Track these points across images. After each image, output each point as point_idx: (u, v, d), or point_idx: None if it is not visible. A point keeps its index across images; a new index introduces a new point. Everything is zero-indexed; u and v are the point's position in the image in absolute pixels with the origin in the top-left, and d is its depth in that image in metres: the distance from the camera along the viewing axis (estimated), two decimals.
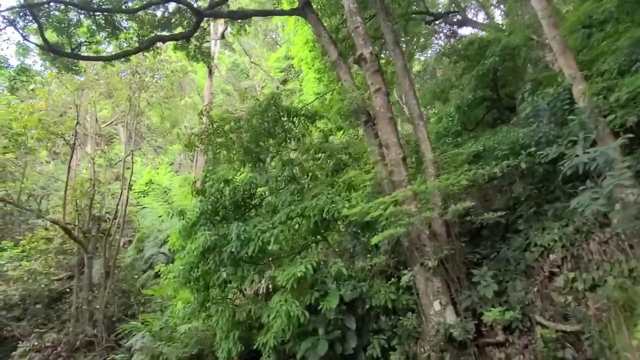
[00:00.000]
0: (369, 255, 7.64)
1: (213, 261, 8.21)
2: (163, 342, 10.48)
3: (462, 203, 6.01)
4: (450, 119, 12.95)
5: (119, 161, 18.26)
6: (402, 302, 7.37)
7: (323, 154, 9.82)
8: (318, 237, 8.90)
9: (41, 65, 13.62)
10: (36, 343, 13.61)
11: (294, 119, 11.24)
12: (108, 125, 22.75)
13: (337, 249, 8.99)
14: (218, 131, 10.15)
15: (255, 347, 8.66)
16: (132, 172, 17.93)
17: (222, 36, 26.66)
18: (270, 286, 11.27)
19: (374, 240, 6.62)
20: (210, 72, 29.09)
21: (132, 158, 17.37)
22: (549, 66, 10.27)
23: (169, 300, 12.91)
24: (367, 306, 7.48)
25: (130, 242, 22.27)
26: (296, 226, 8.59)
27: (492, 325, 6.44)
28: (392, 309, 7.41)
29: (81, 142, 18.48)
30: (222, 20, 24.03)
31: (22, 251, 15.67)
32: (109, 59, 12.04)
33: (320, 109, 11.23)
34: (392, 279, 7.87)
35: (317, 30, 9.81)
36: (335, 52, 9.45)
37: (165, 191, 23.92)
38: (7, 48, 13.16)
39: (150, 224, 20.80)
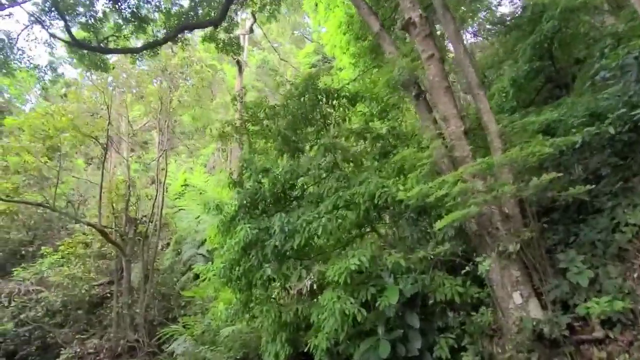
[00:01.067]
0: (430, 243, 6.83)
1: (255, 257, 7.62)
2: (206, 347, 10.04)
3: (546, 175, 5.12)
4: (503, 94, 11.91)
5: (152, 161, 18.12)
6: (471, 295, 6.53)
7: (368, 137, 9.07)
8: (368, 227, 8.17)
9: (70, 64, 13.43)
10: (78, 349, 13.53)
11: (333, 102, 10.56)
12: (141, 127, 22.83)
13: (390, 239, 8.22)
14: (253, 118, 9.58)
15: (305, 349, 8.11)
16: (166, 172, 17.75)
17: (251, 30, 26.35)
18: (315, 285, 10.66)
19: (439, 225, 5.81)
20: (240, 69, 28.82)
21: (165, 158, 17.15)
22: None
23: (210, 302, 12.50)
24: (430, 301, 6.68)
25: (168, 245, 22.26)
26: (344, 216, 7.91)
27: (585, 319, 5.52)
28: (460, 303, 6.59)
29: (115, 145, 18.46)
30: (249, 13, 23.67)
31: (62, 257, 15.73)
32: (136, 51, 11.74)
33: (362, 89, 10.47)
34: (458, 269, 7.06)
35: (355, 2, 9.06)
36: (376, 23, 8.68)
37: (201, 192, 23.87)
38: (36, 47, 12.91)
39: (187, 226, 20.66)
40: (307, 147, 11.05)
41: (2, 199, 12.74)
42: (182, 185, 24.68)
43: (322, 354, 7.18)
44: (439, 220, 6.01)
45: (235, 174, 9.14)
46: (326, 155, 8.82)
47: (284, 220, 7.45)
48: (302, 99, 10.20)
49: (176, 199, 23.52)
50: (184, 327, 11.35)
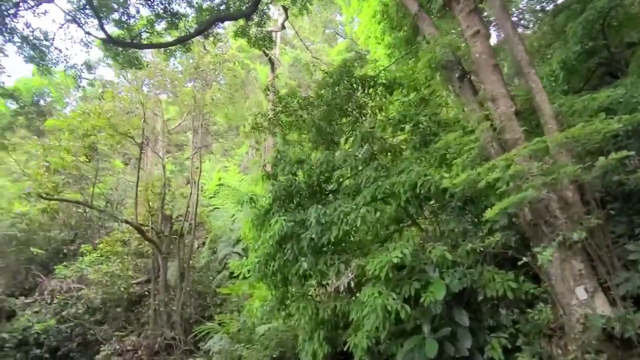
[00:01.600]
0: (478, 236, 6.34)
1: (291, 251, 7.34)
2: (242, 345, 9.87)
3: (615, 154, 4.58)
4: (552, 78, 11.18)
5: (187, 159, 18.24)
6: (526, 291, 6.01)
7: (407, 125, 8.63)
8: (408, 219, 7.75)
9: (105, 64, 13.62)
10: (117, 346, 13.70)
11: (369, 91, 10.19)
12: (175, 128, 23.11)
13: (432, 233, 7.77)
14: (286, 109, 9.33)
15: (343, 348, 7.79)
16: (200, 171, 17.82)
17: (283, 26, 26.26)
18: (353, 283, 10.31)
19: (490, 213, 5.35)
20: (273, 67, 28.79)
21: (199, 157, 17.21)
22: None
23: (246, 300, 12.36)
24: (479, 298, 6.20)
25: (203, 244, 22.45)
26: (383, 208, 7.54)
27: None
28: (513, 300, 6.07)
29: (151, 144, 18.71)
30: (281, 8, 23.50)
31: (100, 255, 16.04)
32: (168, 45, 11.76)
33: (399, 76, 10.04)
34: (508, 264, 6.55)
35: None
36: (414, 3, 8.25)
37: (235, 190, 23.98)
38: (72, 46, 13.19)
39: (222, 224, 20.75)
40: (342, 140, 10.74)
41: (42, 197, 13.08)
42: (217, 185, 24.93)
43: (363, 353, 6.83)
44: (488, 209, 5.55)
45: (269, 166, 8.90)
46: (363, 146, 8.46)
47: (320, 212, 7.14)
48: (336, 88, 9.89)
49: (211, 197, 23.75)
50: (219, 324, 11.24)
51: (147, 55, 16.12)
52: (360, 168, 8.46)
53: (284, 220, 7.33)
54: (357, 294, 8.53)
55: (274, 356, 9.53)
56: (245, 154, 31.21)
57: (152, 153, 21.86)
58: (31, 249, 18.12)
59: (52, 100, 23.03)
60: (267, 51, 20.80)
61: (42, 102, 23.72)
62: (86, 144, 13.68)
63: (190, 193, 16.70)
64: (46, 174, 13.81)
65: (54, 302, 16.55)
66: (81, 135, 13.43)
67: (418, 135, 8.45)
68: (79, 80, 12.53)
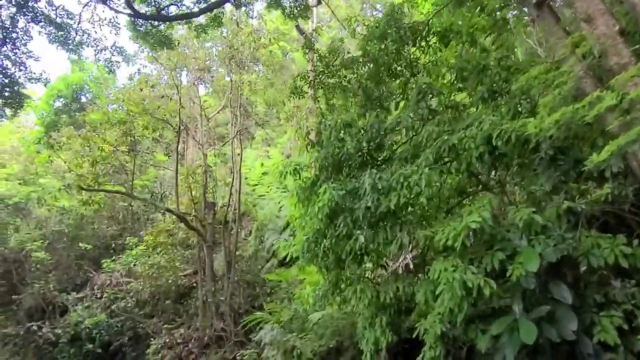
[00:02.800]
0: (576, 191, 5.18)
1: (344, 224, 6.43)
2: (294, 334, 9.13)
3: None
4: None
5: (227, 142, 17.74)
6: None
7: (470, 74, 7.47)
8: (481, 180, 6.65)
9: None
10: (167, 340, 13.43)
11: (421, 44, 9.06)
12: (214, 115, 22.71)
13: (511, 195, 6.65)
14: (328, 69, 8.38)
15: (407, 335, 6.91)
16: (241, 157, 17.24)
17: (319, 1, 25.22)
18: (412, 263, 9.38)
19: (600, 156, 4.20)
20: (311, 47, 27.72)
21: (240, 140, 16.63)
22: None
23: (297, 287, 11.63)
24: (583, 268, 5.05)
25: (250, 233, 22.11)
26: (449, 169, 6.50)
27: None
28: (627, 270, 4.90)
29: (192, 131, 18.35)
30: None
31: (146, 247, 15.88)
32: (196, 15, 11.10)
33: (456, 23, 8.83)
34: (614, 227, 5.37)
35: None
36: None
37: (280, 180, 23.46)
38: (101, 29, 13.00)
39: (268, 212, 20.26)
40: (392, 105, 9.71)
41: (82, 188, 12.93)
42: (261, 174, 24.47)
43: (435, 340, 5.87)
44: (594, 154, 4.39)
45: (313, 134, 8.02)
46: (420, 99, 7.38)
47: (375, 177, 6.18)
48: (384, 43, 8.83)
49: (255, 185, 23.33)
50: (270, 314, 10.59)
51: (179, 34, 15.59)
52: (417, 128, 7.41)
53: (334, 187, 6.43)
54: (420, 274, 7.59)
55: (331, 346, 8.74)
56: (287, 142, 30.58)
57: (192, 142, 21.62)
58: (80, 244, 18.36)
59: (94, 97, 23.27)
60: (303, 29, 19.89)
61: (83, 99, 24.05)
62: (123, 130, 13.38)
63: (233, 179, 16.15)
64: (85, 165, 13.65)
65: (104, 296, 16.62)
66: (117, 123, 13.13)
67: (485, 85, 7.27)
68: (109, 64, 12.12)
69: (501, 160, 6.57)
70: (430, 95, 7.52)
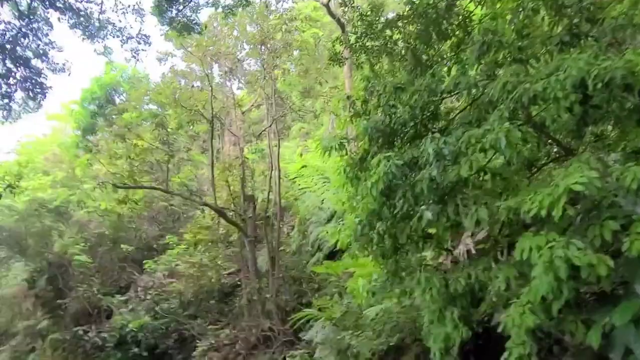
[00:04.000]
0: None
1: (403, 200, 5.49)
2: (349, 332, 8.28)
3: None
4: None
5: (262, 130, 17.11)
6: None
7: (545, 14, 6.34)
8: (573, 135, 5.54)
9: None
10: (213, 341, 12.95)
11: None
12: (249, 109, 22.20)
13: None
14: (370, 31, 7.43)
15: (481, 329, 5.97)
16: (278, 147, 16.54)
17: None
18: (474, 249, 8.35)
19: None
20: (343, 29, 26.77)
21: (276, 129, 15.93)
22: None
23: (347, 281, 10.78)
24: None
25: (292, 228, 21.52)
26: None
27: None
28: None
29: (227, 123, 17.82)
30: None
31: (187, 246, 15.54)
32: None
33: None
34: None
35: None
36: None
37: (320, 171, 22.76)
38: (125, 17, 12.60)
39: (310, 204, 19.56)
40: (444, 70, 8.64)
41: (117, 186, 12.62)
42: (300, 167, 23.82)
43: (524, 335, 4.87)
44: None
45: (359, 102, 7.10)
46: (483, 55, 6.32)
47: (439, 142, 5.20)
48: None
49: (294, 178, 22.70)
50: (320, 310, 9.80)
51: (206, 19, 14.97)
52: (482, 87, 6.34)
53: (389, 160, 5.50)
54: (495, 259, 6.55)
55: (391, 344, 7.83)
56: (326, 129, 29.73)
57: (227, 138, 21.20)
58: (122, 246, 18.30)
59: (128, 98, 23.22)
60: (335, 12, 18.96)
61: (117, 101, 24.09)
62: (155, 124, 12.96)
63: (271, 171, 15.47)
64: (120, 162, 13.37)
65: (147, 298, 16.41)
66: (149, 116, 12.73)
67: (565, 27, 6.12)
68: (136, 53, 11.66)
69: (596, 111, 5.43)
70: (495, 49, 6.46)
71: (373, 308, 8.00)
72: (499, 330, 5.17)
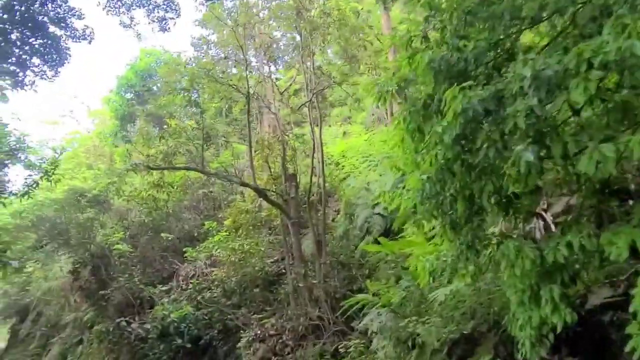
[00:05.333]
0: None
1: (489, 145, 4.28)
2: (413, 319, 7.16)
3: None
4: None
5: (302, 105, 16.11)
6: None
7: None
8: None
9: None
10: (259, 331, 12.15)
11: None
12: (287, 89, 21.28)
13: None
14: None
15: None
16: (320, 125, 15.46)
17: None
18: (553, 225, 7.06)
19: None
20: (385, 5, 25.37)
21: (317, 101, 14.87)
22: None
23: (404, 261, 9.61)
24: None
25: (337, 213, 20.57)
26: None
27: None
28: None
29: (266, 101, 16.93)
30: None
31: (227, 232, 14.85)
32: None
33: None
34: None
35: None
36: None
37: (365, 155, 21.71)
38: None
39: (356, 186, 18.52)
40: None
41: (150, 167, 12.02)
42: (342, 150, 22.79)
43: None
44: None
45: (416, 41, 5.89)
46: None
47: (536, 64, 3.96)
48: None
49: (338, 161, 21.73)
50: (374, 295, 8.71)
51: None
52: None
53: (464, 95, 4.31)
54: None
55: (465, 332, 6.65)
56: (370, 107, 28.40)
57: (266, 121, 20.40)
58: (162, 235, 17.90)
59: (163, 83, 22.88)
60: None
61: (155, 89, 23.83)
62: (187, 99, 12.23)
63: (313, 149, 14.45)
64: (157, 146, 12.75)
65: (189, 288, 15.88)
66: (181, 91, 12.01)
67: None
68: (164, 22, 10.89)
69: None
70: None
71: (440, 290, 6.83)
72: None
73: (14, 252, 23.08)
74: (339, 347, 9.88)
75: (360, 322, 9.62)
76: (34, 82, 10.20)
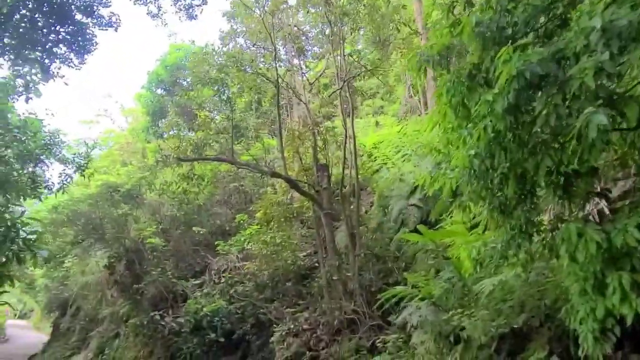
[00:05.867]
0: None
1: (549, 110, 3.78)
2: (457, 312, 6.69)
3: None
4: None
5: (333, 92, 15.71)
6: None
7: None
8: None
9: None
10: (292, 326, 11.87)
11: None
12: (317, 79, 20.91)
13: None
14: None
15: None
16: (352, 111, 15.02)
17: None
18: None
19: None
20: None
21: (348, 89, 14.42)
22: None
23: (445, 251, 9.10)
24: None
25: (370, 205, 20.11)
26: None
27: None
28: None
29: (295, 90, 16.61)
30: None
31: (259, 225, 14.63)
32: None
33: None
34: None
35: None
36: None
37: (398, 146, 21.14)
38: None
39: (390, 177, 18.01)
40: None
41: (180, 159, 11.90)
42: (375, 142, 22.31)
43: None
44: None
45: (458, 6, 5.40)
46: None
47: (607, 16, 3.44)
48: None
49: (370, 152, 21.25)
50: (414, 288, 8.25)
51: None
52: None
53: (519, 56, 3.82)
54: None
55: (515, 326, 6.13)
56: (403, 97, 27.74)
57: (296, 111, 20.11)
58: (194, 229, 17.91)
59: (194, 76, 22.90)
60: None
61: (185, 83, 23.88)
62: (216, 89, 12.04)
63: (345, 138, 14.02)
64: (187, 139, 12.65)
65: (221, 281, 15.79)
66: (209, 82, 11.82)
67: None
68: (192, 10, 10.69)
69: None
70: None
71: (487, 281, 6.33)
72: None
73: (54, 247, 23.74)
74: (377, 341, 9.46)
75: (398, 316, 9.18)
76: (59, 69, 10.23)
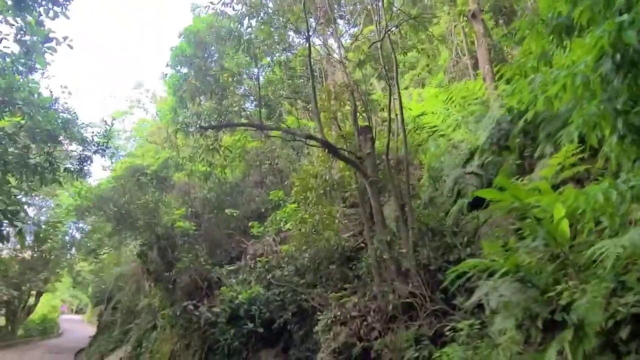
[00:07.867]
0: None
1: None
2: (556, 289, 5.09)
3: None
4: None
5: (373, 43, 14.06)
6: None
7: None
8: None
9: None
10: (338, 313, 10.50)
11: None
12: (353, 43, 19.34)
13: None
14: None
15: None
16: (396, 69, 13.37)
17: None
18: None
19: None
20: None
21: (389, 40, 12.75)
22: None
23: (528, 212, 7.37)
24: None
25: (419, 179, 18.51)
26: None
27: None
28: None
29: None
30: None
31: (296, 201, 13.31)
32: None
33: None
34: None
35: None
36: None
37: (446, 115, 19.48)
38: None
39: (442, 144, 16.38)
40: None
41: (202, 127, 10.68)
42: (417, 116, 20.78)
43: None
44: None
45: None
46: None
47: None
48: None
49: (416, 124, 19.69)
50: (493, 261, 6.63)
51: None
52: None
53: None
54: None
55: None
56: (448, 62, 25.67)
57: (330, 76, 18.60)
58: (226, 211, 16.83)
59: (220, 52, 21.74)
60: None
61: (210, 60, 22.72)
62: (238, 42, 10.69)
63: (390, 96, 12.39)
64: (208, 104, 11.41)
65: (258, 267, 14.62)
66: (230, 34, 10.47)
67: None
68: None
69: None
70: None
71: (608, 242, 4.64)
72: None
73: (94, 240, 23.39)
74: (444, 330, 7.92)
75: (468, 299, 7.62)
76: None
